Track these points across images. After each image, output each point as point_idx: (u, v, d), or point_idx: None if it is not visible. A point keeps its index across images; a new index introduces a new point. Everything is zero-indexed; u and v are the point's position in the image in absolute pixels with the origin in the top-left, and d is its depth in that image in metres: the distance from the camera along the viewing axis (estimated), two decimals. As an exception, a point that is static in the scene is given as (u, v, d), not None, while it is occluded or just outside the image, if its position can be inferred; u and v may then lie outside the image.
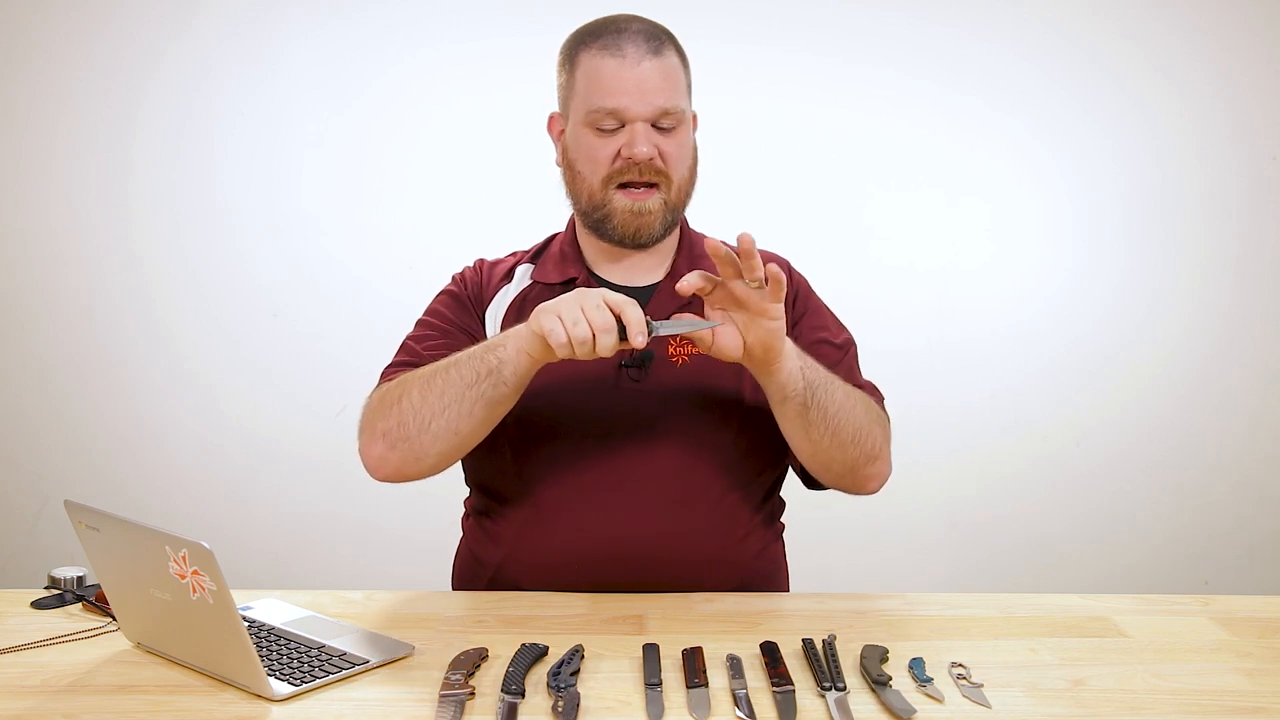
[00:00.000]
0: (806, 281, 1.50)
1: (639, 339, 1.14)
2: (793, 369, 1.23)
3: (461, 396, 1.23)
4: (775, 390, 1.26)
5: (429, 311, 1.45)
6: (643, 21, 1.35)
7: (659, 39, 1.33)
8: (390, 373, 1.37)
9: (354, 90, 2.60)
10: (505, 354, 1.22)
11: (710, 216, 1.55)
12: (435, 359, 1.31)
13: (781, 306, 1.18)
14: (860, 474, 1.34)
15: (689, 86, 1.38)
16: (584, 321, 1.13)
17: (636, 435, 1.34)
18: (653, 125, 1.31)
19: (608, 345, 1.14)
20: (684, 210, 1.41)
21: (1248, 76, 2.62)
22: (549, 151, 1.42)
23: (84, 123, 2.59)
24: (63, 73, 2.58)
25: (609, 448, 1.34)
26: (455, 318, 1.42)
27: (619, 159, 1.32)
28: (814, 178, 2.62)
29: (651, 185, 1.34)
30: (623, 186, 1.34)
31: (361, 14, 2.58)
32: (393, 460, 1.29)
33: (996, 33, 2.60)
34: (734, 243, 1.53)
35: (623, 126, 1.31)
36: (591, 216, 1.37)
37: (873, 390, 1.42)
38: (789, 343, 1.23)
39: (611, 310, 1.14)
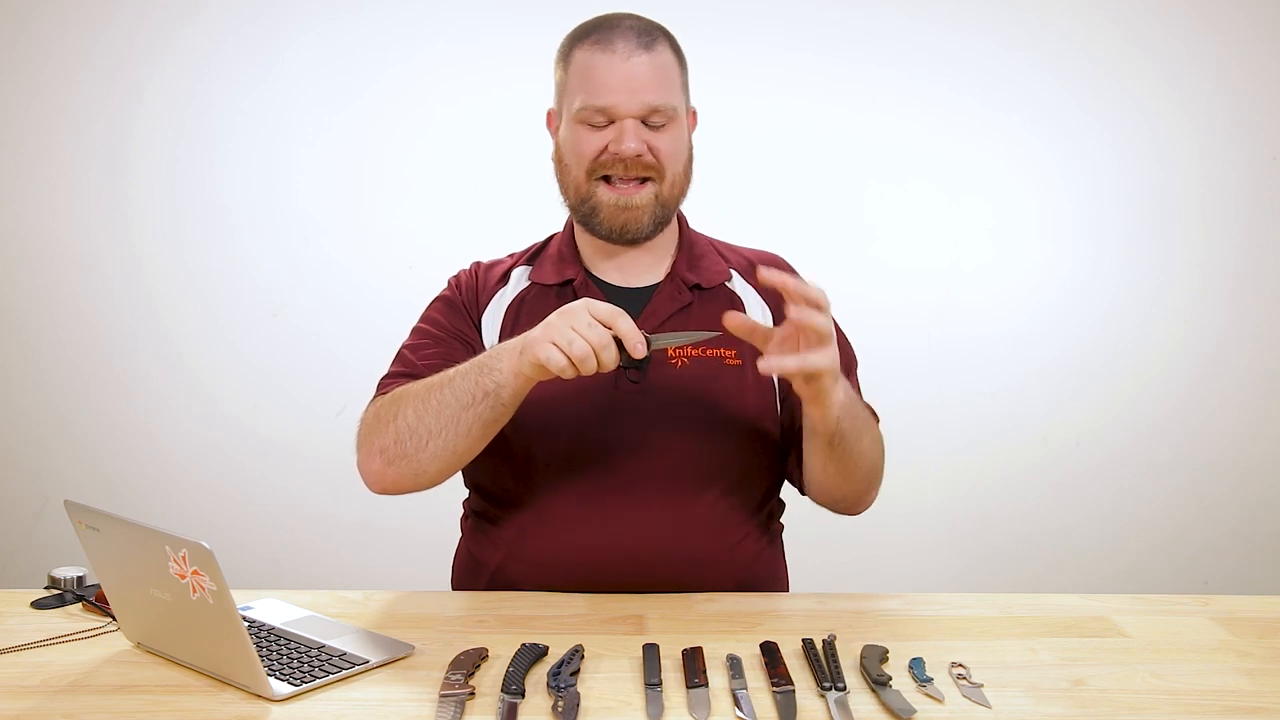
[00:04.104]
0: None
1: (638, 349, 1.14)
2: (829, 417, 1.21)
3: (457, 418, 1.23)
4: (808, 421, 1.27)
5: (424, 319, 1.44)
6: (637, 19, 1.34)
7: (651, 35, 1.32)
8: (386, 384, 1.36)
9: (354, 90, 2.60)
10: (502, 378, 1.20)
11: (710, 216, 1.55)
12: (431, 368, 1.31)
13: (822, 360, 1.14)
14: (858, 504, 1.39)
15: (684, 84, 1.37)
16: (579, 339, 1.13)
17: (635, 437, 1.34)
18: (643, 122, 1.31)
19: (610, 359, 1.14)
20: (677, 207, 1.40)
21: (1248, 76, 2.62)
22: (549, 150, 1.42)
23: (84, 123, 2.59)
24: (63, 73, 2.58)
25: (607, 449, 1.33)
26: (450, 324, 1.41)
27: (605, 153, 1.31)
28: (814, 178, 2.62)
29: (643, 180, 1.33)
30: (606, 180, 1.33)
31: (361, 14, 2.58)
32: (391, 476, 1.29)
33: (996, 33, 2.60)
34: (727, 242, 1.53)
35: (612, 123, 1.31)
36: (580, 211, 1.37)
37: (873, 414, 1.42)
38: (840, 391, 1.20)
39: (603, 323, 1.14)
